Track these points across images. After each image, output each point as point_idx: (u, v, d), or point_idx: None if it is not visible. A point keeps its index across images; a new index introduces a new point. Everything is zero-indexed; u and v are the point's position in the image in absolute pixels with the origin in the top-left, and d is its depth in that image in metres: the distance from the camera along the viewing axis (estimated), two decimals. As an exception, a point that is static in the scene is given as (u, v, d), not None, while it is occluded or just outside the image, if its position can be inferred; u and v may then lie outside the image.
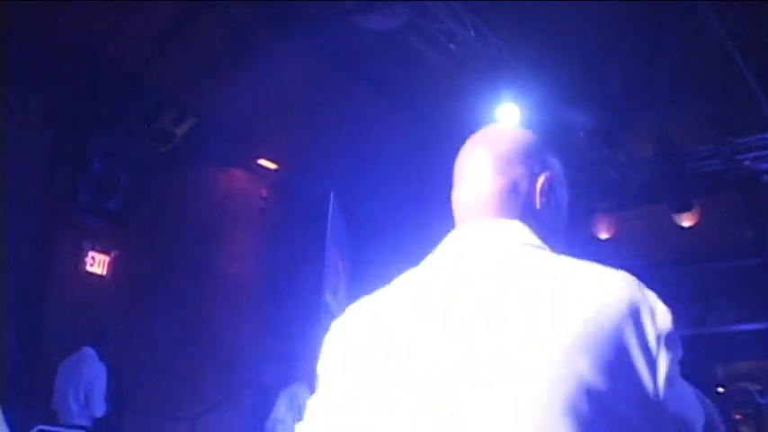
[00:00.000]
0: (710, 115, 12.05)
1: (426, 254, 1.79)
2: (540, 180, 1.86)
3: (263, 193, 11.93)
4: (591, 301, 1.55)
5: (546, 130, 10.36)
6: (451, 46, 8.97)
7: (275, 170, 11.82)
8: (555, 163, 1.96)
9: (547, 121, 10.08)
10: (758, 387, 17.03)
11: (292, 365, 8.51)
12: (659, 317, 1.58)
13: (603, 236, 13.65)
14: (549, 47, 9.61)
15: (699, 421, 1.55)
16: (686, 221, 12.98)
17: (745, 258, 13.70)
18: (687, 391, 1.57)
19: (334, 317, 4.89)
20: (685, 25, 9.75)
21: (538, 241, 1.75)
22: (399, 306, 1.67)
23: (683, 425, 1.51)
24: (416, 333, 1.56)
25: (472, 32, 8.93)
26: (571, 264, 1.71)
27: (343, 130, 10.40)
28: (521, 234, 1.74)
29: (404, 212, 12.26)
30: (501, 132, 2.00)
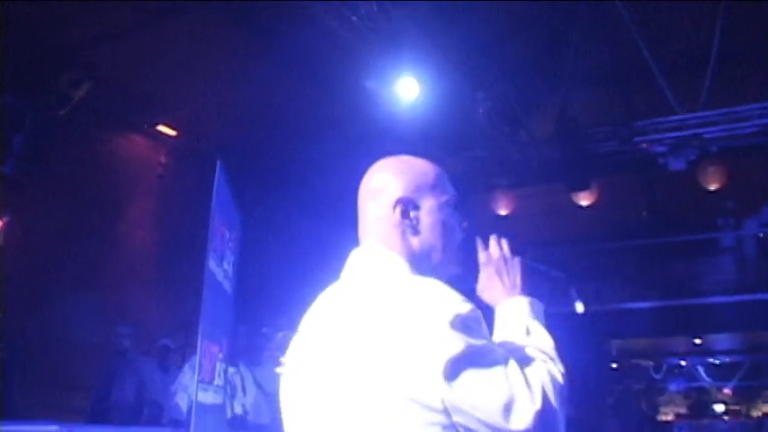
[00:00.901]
0: (611, 98, 12.71)
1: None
2: (399, 208, 2.14)
3: (162, 159, 12.10)
4: (362, 324, 1.84)
5: (446, 106, 10.96)
6: (354, 18, 9.37)
7: (175, 136, 12.06)
8: (437, 190, 2.21)
9: (447, 98, 10.48)
10: (651, 363, 18.22)
11: (188, 332, 8.90)
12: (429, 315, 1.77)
13: (503, 212, 14.21)
14: (453, 23, 9.90)
15: (493, 405, 1.73)
16: (584, 201, 13.72)
17: (640, 238, 14.65)
18: (478, 378, 1.74)
19: (219, 284, 5.39)
20: (591, 9, 10.47)
21: (390, 264, 2.07)
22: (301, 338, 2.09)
23: (478, 412, 1.73)
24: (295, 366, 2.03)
25: (375, 6, 9.35)
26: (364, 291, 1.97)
27: (244, 97, 10.58)
28: (376, 259, 2.11)
29: (298, 181, 12.69)
30: (384, 164, 2.33)
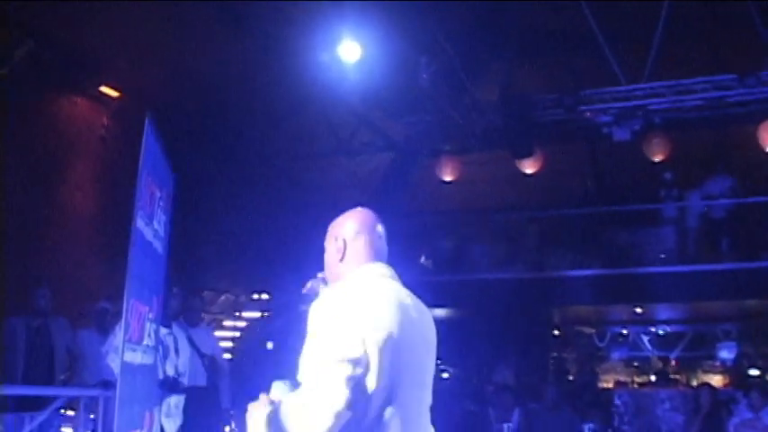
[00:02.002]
0: (557, 67, 12.92)
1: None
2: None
3: (105, 121, 12.11)
4: None
5: (390, 70, 11.05)
6: (296, -19, 9.41)
7: (117, 98, 12.01)
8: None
9: (391, 62, 10.61)
10: (593, 330, 18.57)
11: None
12: None
13: (448, 178, 14.47)
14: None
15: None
16: (528, 168, 13.99)
17: (583, 207, 14.93)
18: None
19: (148, 244, 5.48)
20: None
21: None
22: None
23: None
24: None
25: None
26: None
27: (187, 59, 10.64)
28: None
29: (237, 143, 12.74)
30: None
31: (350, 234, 3.10)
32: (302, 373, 2.65)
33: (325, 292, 2.88)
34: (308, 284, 3.18)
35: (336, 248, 3.07)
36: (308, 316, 2.73)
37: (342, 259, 3.06)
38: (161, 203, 6.02)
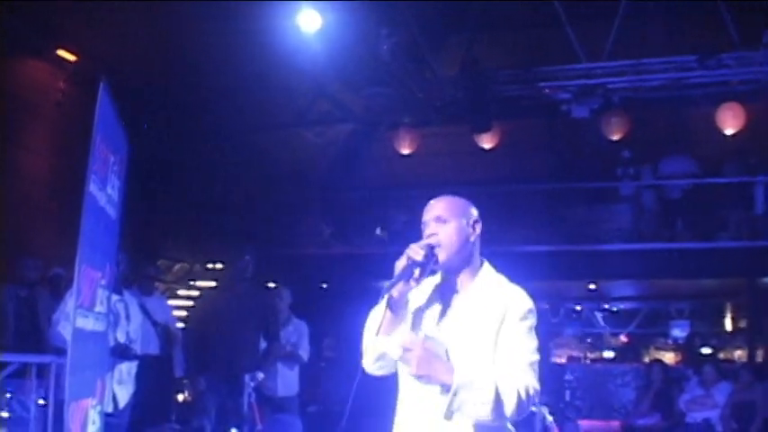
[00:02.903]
0: (518, 42, 13.10)
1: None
2: None
3: (62, 85, 11.86)
4: None
5: (350, 41, 11.07)
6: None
7: (75, 62, 11.91)
8: None
9: (351, 32, 10.64)
10: (547, 306, 18.81)
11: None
12: None
13: (406, 151, 14.55)
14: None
15: None
16: (487, 143, 14.10)
17: (540, 183, 15.09)
18: None
19: (101, 209, 5.49)
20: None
21: None
22: None
23: None
24: None
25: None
26: None
27: (145, 24, 10.57)
28: None
29: (196, 111, 12.69)
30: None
31: (478, 218, 3.37)
32: (504, 362, 3.06)
33: (524, 301, 3.19)
34: (421, 251, 3.17)
35: (469, 228, 3.33)
36: (504, 315, 3.13)
37: (473, 241, 3.32)
38: (115, 168, 6.01)
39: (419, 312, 3.30)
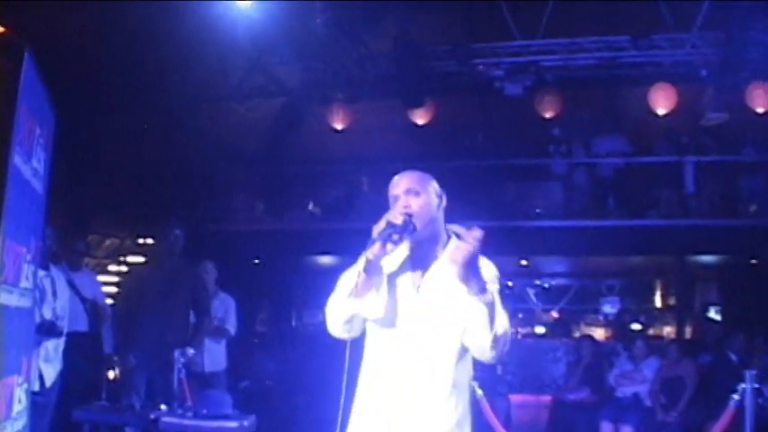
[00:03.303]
0: (452, 18, 13.10)
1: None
2: None
3: None
4: None
5: (283, 14, 10.98)
6: None
7: (1, 33, 11.68)
8: None
9: (285, 5, 10.64)
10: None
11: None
12: None
13: (339, 126, 14.58)
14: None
15: None
16: (420, 119, 14.16)
17: (473, 159, 15.15)
18: None
19: (26, 182, 5.39)
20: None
21: None
22: None
23: None
24: None
25: None
26: None
27: None
28: None
29: (124, 85, 12.52)
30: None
31: (442, 193, 3.72)
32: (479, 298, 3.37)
33: (489, 267, 3.64)
34: (400, 216, 3.45)
35: (437, 200, 3.66)
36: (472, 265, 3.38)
37: (439, 211, 3.67)
38: (41, 141, 5.90)
39: (393, 278, 3.59)
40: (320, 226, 14.69)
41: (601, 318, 19.17)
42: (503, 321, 3.42)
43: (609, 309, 19.03)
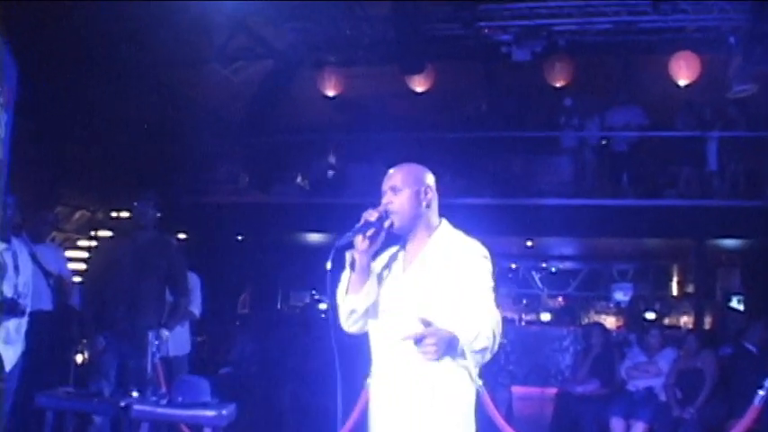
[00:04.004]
0: (457, -24, 13.04)
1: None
2: None
3: None
4: None
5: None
6: None
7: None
8: None
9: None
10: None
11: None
12: None
13: (331, 93, 14.48)
14: None
15: None
16: (419, 86, 14.05)
17: (476, 131, 15.05)
18: None
19: None
20: None
21: None
22: None
23: None
24: None
25: None
26: None
27: None
28: None
29: (93, 47, 12.43)
30: None
31: (432, 185, 4.00)
32: (472, 303, 3.70)
33: (477, 248, 3.85)
34: (375, 213, 3.84)
35: (422, 195, 3.93)
36: (472, 262, 3.79)
37: (428, 206, 3.95)
38: (0, 100, 5.81)
39: (382, 271, 4.00)
40: (309, 200, 14.62)
41: (612, 305, 19.21)
42: (490, 329, 3.64)
43: (621, 296, 19.09)
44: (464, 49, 13.78)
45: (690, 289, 17.73)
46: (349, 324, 3.98)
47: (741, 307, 15.78)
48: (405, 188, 3.92)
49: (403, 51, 12.94)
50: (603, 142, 14.97)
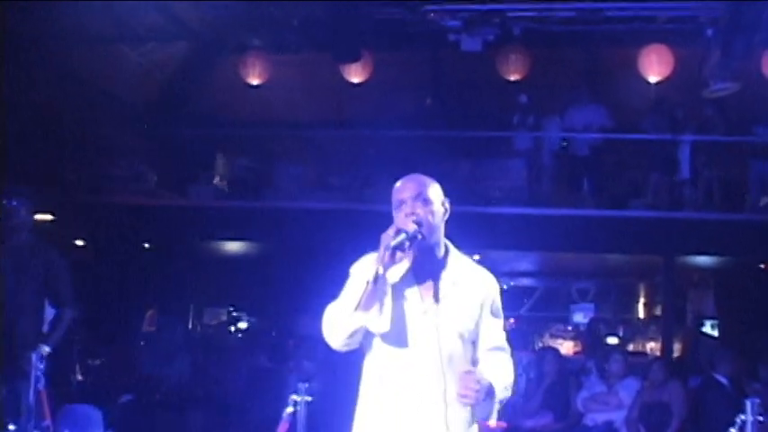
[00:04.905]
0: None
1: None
2: None
3: None
4: None
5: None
6: None
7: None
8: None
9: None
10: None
11: None
12: None
13: (255, 81, 14.33)
14: None
15: None
16: (354, 76, 14.00)
17: (418, 128, 14.97)
18: None
19: None
20: None
21: None
22: None
23: None
24: None
25: None
26: None
27: None
28: None
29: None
30: None
31: (445, 200, 4.18)
32: (496, 339, 4.16)
33: (492, 278, 4.22)
34: (412, 224, 3.91)
35: (443, 211, 4.11)
36: (489, 294, 4.14)
37: (443, 220, 4.12)
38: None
39: (398, 290, 3.99)
40: (227, 204, 14.50)
41: (570, 328, 19.23)
42: (512, 379, 4.14)
43: (580, 317, 19.12)
44: (407, 36, 13.77)
45: (657, 311, 17.84)
46: (343, 344, 4.02)
47: (715, 333, 15.89)
48: (432, 198, 4.06)
49: (337, 36, 12.85)
50: (563, 144, 14.93)
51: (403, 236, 3.80)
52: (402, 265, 3.99)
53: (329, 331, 4.03)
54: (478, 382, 3.71)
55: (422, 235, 3.89)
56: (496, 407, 3.88)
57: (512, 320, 20.94)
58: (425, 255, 4.03)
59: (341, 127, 14.49)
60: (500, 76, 13.83)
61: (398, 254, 3.82)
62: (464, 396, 3.71)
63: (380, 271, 3.82)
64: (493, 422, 4.01)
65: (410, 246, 3.85)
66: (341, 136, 14.84)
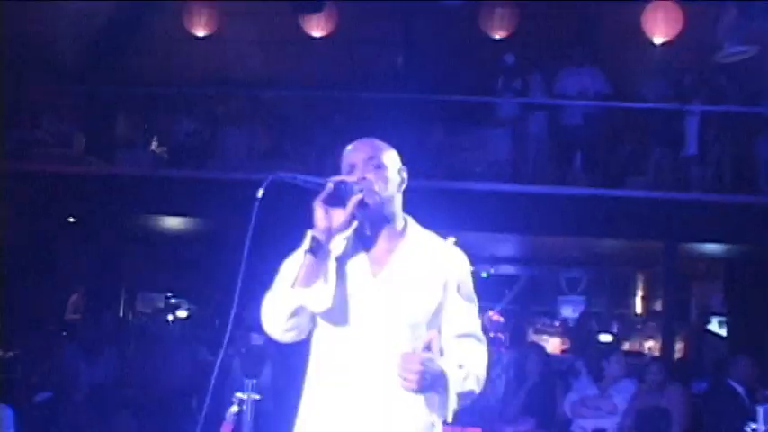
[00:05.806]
0: None
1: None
2: None
3: None
4: None
5: None
6: None
7: None
8: None
9: None
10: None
11: None
12: None
13: (200, 32, 14.28)
14: None
15: None
16: (316, 30, 13.97)
17: (389, 91, 14.93)
18: None
19: None
20: None
21: None
22: None
23: None
24: None
25: None
26: None
27: None
28: None
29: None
30: None
31: (403, 169, 4.20)
32: (465, 324, 4.06)
33: (460, 255, 4.28)
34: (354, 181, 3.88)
35: (399, 180, 4.11)
36: (454, 273, 4.11)
37: (399, 191, 4.12)
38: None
39: (342, 263, 3.98)
40: (166, 173, 14.40)
41: (557, 323, 19.30)
42: (482, 368, 4.03)
43: (569, 311, 19.18)
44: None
45: (657, 306, 17.90)
46: (285, 329, 3.96)
47: (722, 331, 15.93)
48: (386, 164, 4.05)
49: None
50: (552, 113, 14.91)
51: (331, 185, 3.76)
52: (344, 234, 3.96)
53: (267, 317, 3.97)
54: (422, 364, 3.60)
55: (362, 192, 3.85)
56: (452, 401, 3.77)
57: (491, 313, 21.03)
58: (378, 227, 4.04)
59: (298, 88, 14.41)
60: (483, 33, 13.81)
61: (337, 215, 3.81)
62: (404, 379, 3.62)
63: (318, 235, 3.78)
64: (450, 418, 3.82)
65: (353, 207, 3.82)
66: (298, 98, 14.78)
